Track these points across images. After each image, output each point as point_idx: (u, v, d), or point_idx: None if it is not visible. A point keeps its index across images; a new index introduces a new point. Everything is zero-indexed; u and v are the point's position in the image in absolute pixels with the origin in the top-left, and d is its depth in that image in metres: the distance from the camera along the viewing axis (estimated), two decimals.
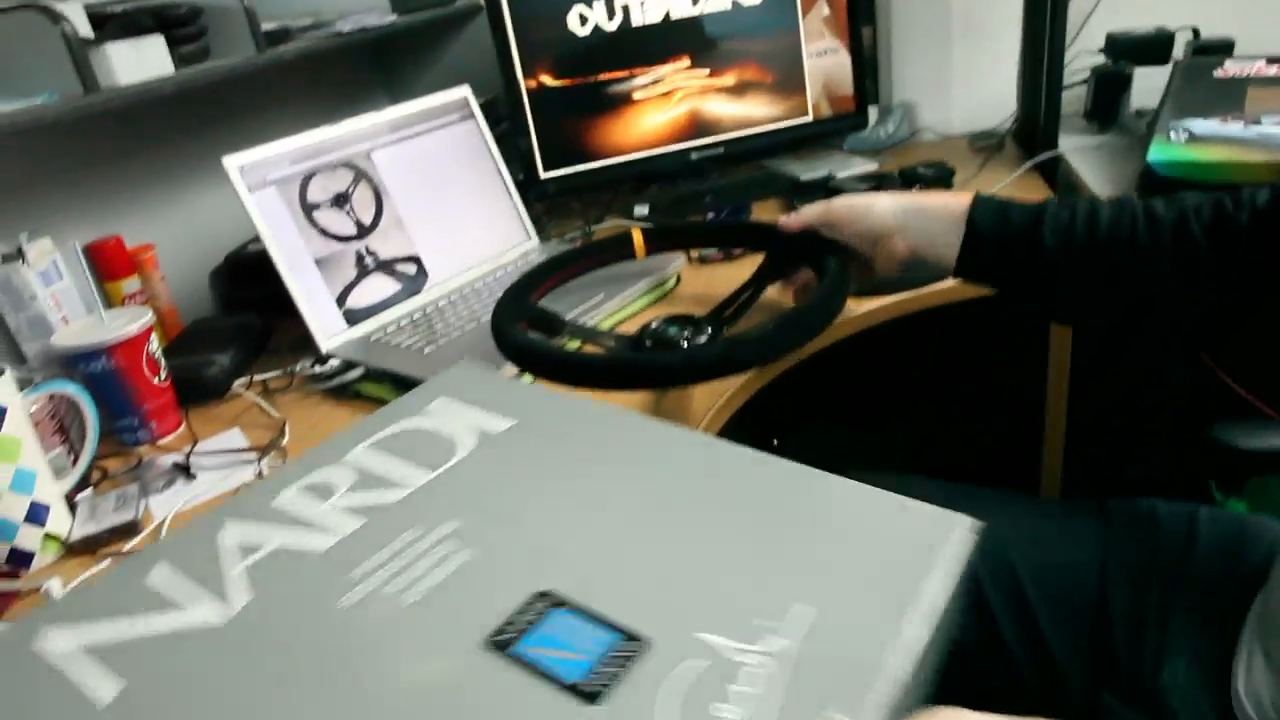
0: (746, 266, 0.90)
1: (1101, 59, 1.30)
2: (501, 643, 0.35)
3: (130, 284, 0.96)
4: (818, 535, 0.39)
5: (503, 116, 1.23)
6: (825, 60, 1.27)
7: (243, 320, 1.01)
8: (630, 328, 0.88)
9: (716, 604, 0.35)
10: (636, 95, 1.23)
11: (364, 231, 0.99)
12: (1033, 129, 1.24)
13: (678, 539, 0.40)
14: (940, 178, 1.17)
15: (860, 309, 0.90)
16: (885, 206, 0.74)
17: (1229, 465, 0.92)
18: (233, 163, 0.88)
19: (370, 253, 0.99)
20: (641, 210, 1.24)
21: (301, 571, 0.41)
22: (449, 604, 0.38)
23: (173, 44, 0.85)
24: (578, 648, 0.34)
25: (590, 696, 0.32)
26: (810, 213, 0.78)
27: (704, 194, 1.26)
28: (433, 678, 0.34)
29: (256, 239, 0.95)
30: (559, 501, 0.44)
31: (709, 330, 0.81)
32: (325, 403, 0.88)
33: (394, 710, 0.33)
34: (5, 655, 0.37)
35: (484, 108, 1.16)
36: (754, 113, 1.28)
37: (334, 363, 0.90)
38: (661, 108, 1.24)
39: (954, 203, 0.72)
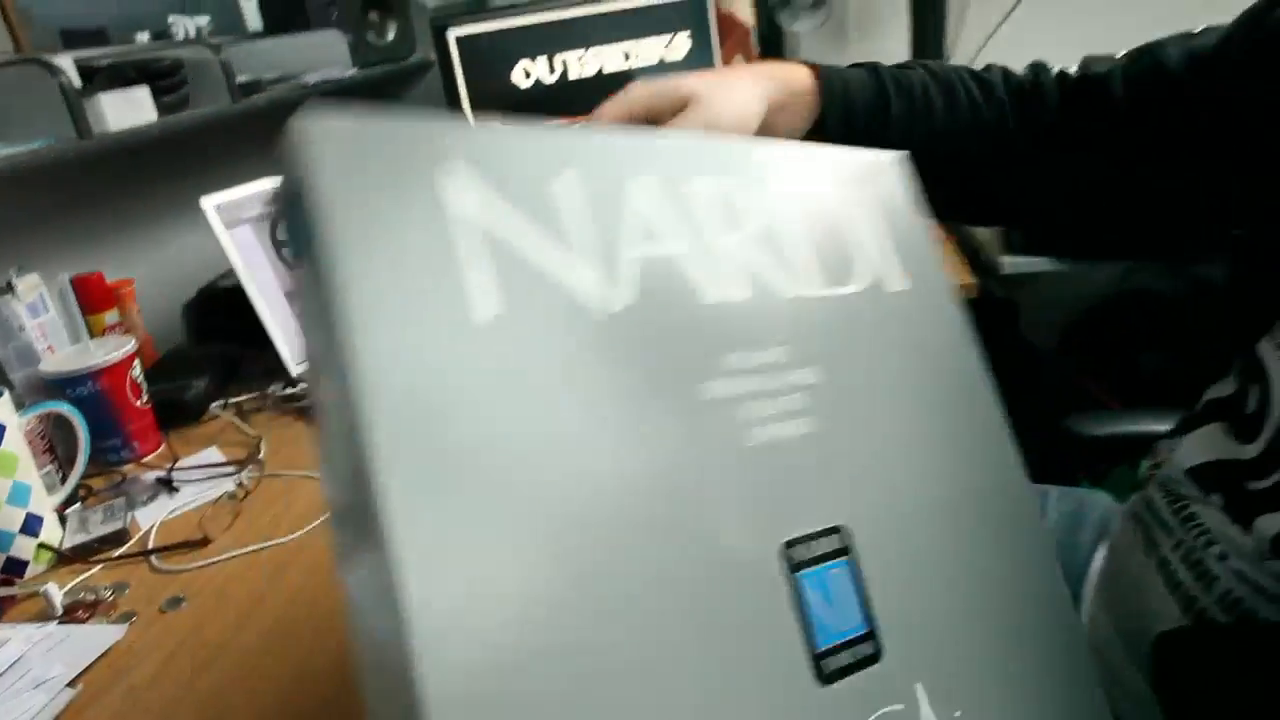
0: None
1: None
2: (792, 557, 0.32)
3: (110, 316, 0.99)
4: None
5: None
6: None
7: (216, 348, 1.04)
8: None
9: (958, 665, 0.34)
10: None
11: None
12: None
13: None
14: None
15: None
16: (750, 95, 0.53)
17: (1087, 455, 1.00)
18: (209, 203, 0.93)
19: None
20: None
21: (683, 309, 0.34)
22: (773, 473, 0.33)
23: (156, 94, 0.90)
24: (834, 611, 0.32)
25: (825, 676, 0.30)
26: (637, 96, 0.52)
27: None
28: (719, 540, 0.31)
29: (227, 274, 1.00)
30: (916, 412, 0.39)
31: None
32: (298, 421, 0.92)
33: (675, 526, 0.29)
34: (406, 174, 0.29)
35: None
36: None
37: (305, 385, 0.95)
38: None
39: (803, 88, 0.56)
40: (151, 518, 0.77)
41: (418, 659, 0.23)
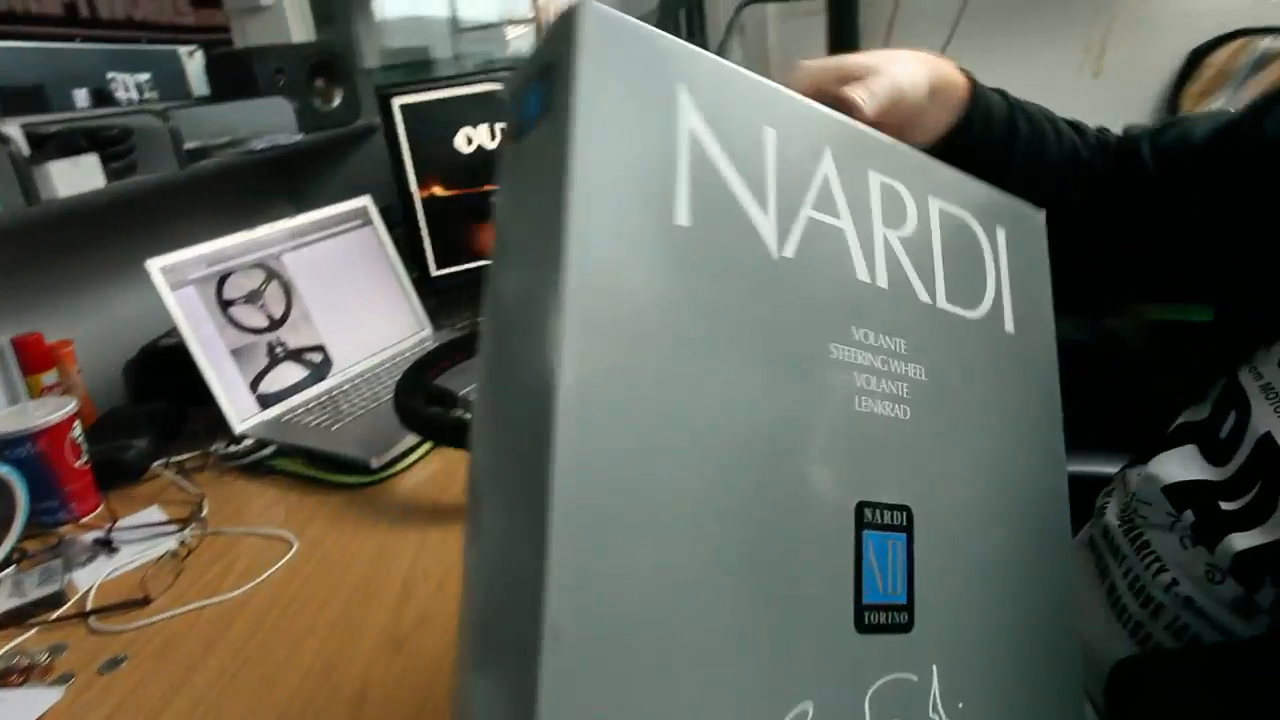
0: None
1: None
2: (864, 515, 0.35)
3: (49, 376, 0.97)
4: None
5: (399, 221, 1.30)
6: None
7: (157, 407, 1.02)
8: None
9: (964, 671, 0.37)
10: None
11: (275, 325, 1.04)
12: None
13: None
14: None
15: None
16: (919, 70, 0.52)
17: None
18: (155, 265, 0.92)
19: (281, 343, 1.03)
20: None
21: (835, 274, 0.37)
22: (866, 440, 0.37)
23: (104, 160, 0.89)
24: (884, 574, 0.35)
25: (863, 626, 0.34)
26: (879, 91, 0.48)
27: None
28: (809, 480, 0.34)
29: (170, 332, 0.99)
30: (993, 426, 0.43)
31: None
32: (241, 478, 0.91)
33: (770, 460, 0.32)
34: (654, 78, 0.32)
35: (383, 213, 1.24)
36: None
37: (248, 442, 0.94)
38: None
39: (954, 80, 0.57)
40: (90, 579, 0.75)
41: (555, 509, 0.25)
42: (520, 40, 2.40)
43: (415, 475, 0.86)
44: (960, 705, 0.37)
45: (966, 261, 0.45)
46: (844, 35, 1.25)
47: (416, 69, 2.14)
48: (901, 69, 0.51)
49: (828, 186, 0.38)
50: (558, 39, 0.30)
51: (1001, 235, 0.47)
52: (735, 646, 0.30)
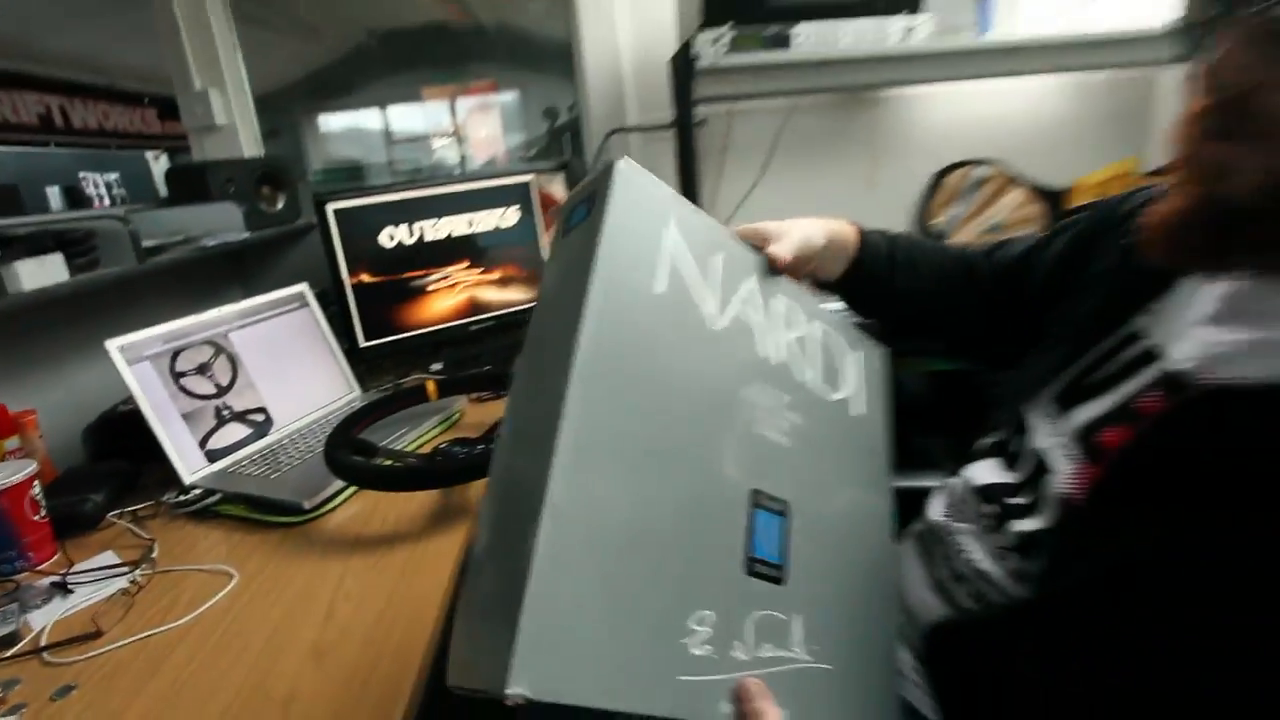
0: None
1: None
2: (756, 498, 0.44)
3: (11, 442, 0.91)
4: None
5: (334, 301, 1.29)
6: None
7: (115, 465, 0.97)
8: (427, 449, 0.97)
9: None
10: (430, 287, 1.34)
11: (222, 391, 1.01)
12: None
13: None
14: None
15: None
16: (817, 231, 0.62)
17: None
18: (114, 344, 0.89)
19: (227, 407, 1.01)
20: (437, 366, 1.32)
21: (748, 346, 0.47)
22: (761, 452, 0.46)
23: (69, 257, 0.86)
24: (767, 541, 0.43)
25: (750, 570, 0.41)
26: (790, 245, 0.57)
27: (482, 353, 1.37)
28: (723, 467, 0.42)
29: (127, 400, 0.95)
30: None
31: (480, 446, 0.93)
32: (189, 524, 0.88)
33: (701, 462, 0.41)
34: (654, 214, 0.44)
35: (320, 295, 1.23)
36: (515, 296, 1.42)
37: (196, 492, 0.91)
38: (449, 295, 1.35)
39: (846, 234, 0.67)
40: (45, 619, 0.71)
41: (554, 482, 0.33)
42: (445, 149, 2.42)
43: (342, 514, 0.86)
44: (815, 647, 0.44)
45: (834, 364, 0.56)
46: (687, 157, 1.34)
47: (352, 175, 2.13)
48: (805, 230, 0.61)
49: (752, 295, 0.49)
50: (602, 179, 0.42)
51: (860, 355, 0.60)
52: (674, 565, 0.37)
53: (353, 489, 0.88)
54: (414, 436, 1.02)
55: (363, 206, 1.26)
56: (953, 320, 0.72)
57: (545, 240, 1.42)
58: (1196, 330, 0.49)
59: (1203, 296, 0.49)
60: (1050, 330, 0.63)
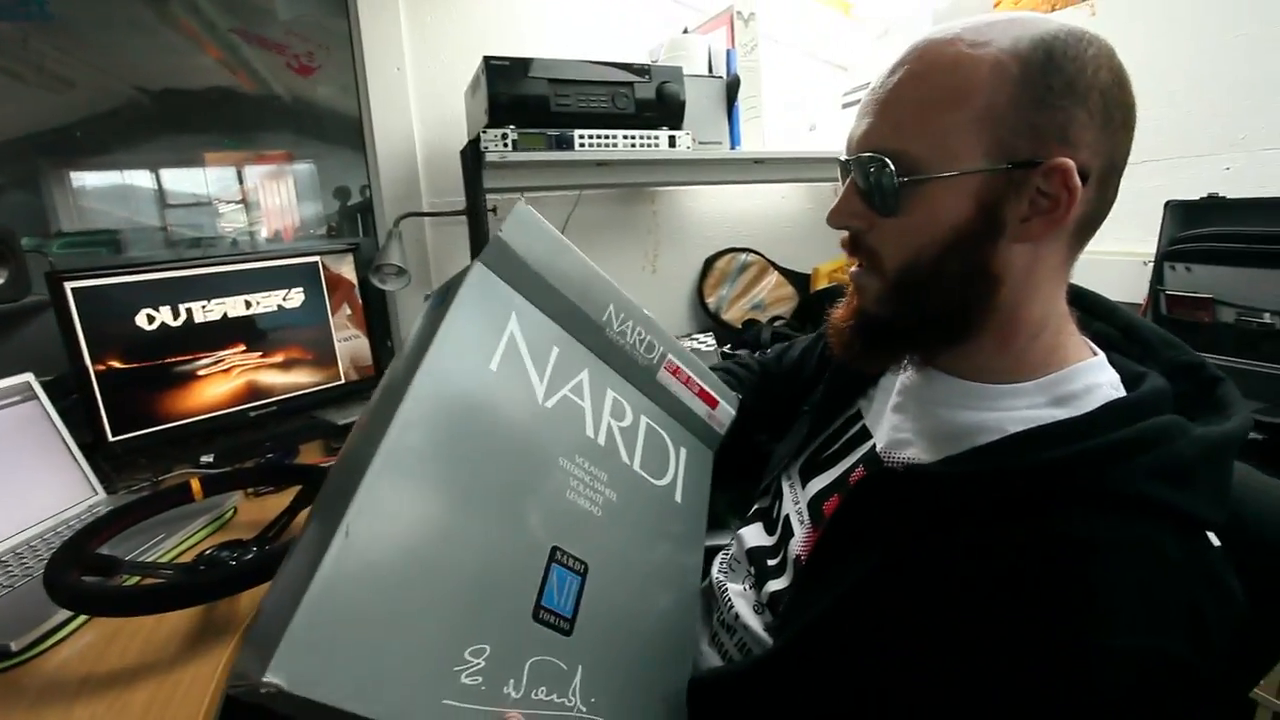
0: (293, 494, 0.92)
1: None
2: (555, 554, 0.47)
3: None
4: None
5: (73, 391, 1.09)
6: (351, 343, 1.36)
7: None
8: (189, 556, 0.84)
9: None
10: (200, 373, 1.18)
11: None
12: None
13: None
14: None
15: None
16: None
17: None
18: None
19: None
20: (207, 458, 1.16)
21: (573, 424, 0.52)
22: (568, 518, 0.49)
23: None
24: (561, 595, 0.46)
25: (536, 618, 0.44)
26: None
27: (263, 440, 1.23)
28: (529, 523, 0.46)
29: None
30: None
31: (254, 550, 0.82)
32: None
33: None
34: (500, 305, 0.52)
35: (57, 382, 1.04)
36: (300, 380, 1.30)
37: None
38: (223, 381, 1.20)
39: None
40: None
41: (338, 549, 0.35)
42: (231, 216, 2.18)
43: (67, 650, 0.70)
44: (593, 699, 0.45)
45: (658, 455, 0.60)
46: (479, 241, 1.35)
47: (108, 244, 1.84)
48: None
49: (580, 385, 0.54)
50: (463, 273, 0.49)
51: (684, 451, 0.64)
52: (463, 597, 0.40)
53: (83, 617, 0.73)
54: (174, 543, 0.88)
55: (114, 285, 1.09)
56: (765, 411, 0.81)
57: (334, 321, 1.33)
58: (888, 415, 0.57)
59: (895, 384, 0.59)
60: (801, 411, 0.72)
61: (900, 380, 0.58)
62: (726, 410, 0.71)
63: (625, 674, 0.50)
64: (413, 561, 0.38)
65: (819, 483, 0.61)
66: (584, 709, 0.45)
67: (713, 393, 0.70)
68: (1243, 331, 1.06)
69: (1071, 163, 0.43)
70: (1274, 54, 1.18)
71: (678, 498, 0.61)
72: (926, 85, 0.45)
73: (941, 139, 0.44)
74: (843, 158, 0.50)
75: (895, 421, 0.57)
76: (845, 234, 0.52)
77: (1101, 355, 0.50)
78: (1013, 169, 0.43)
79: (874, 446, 0.58)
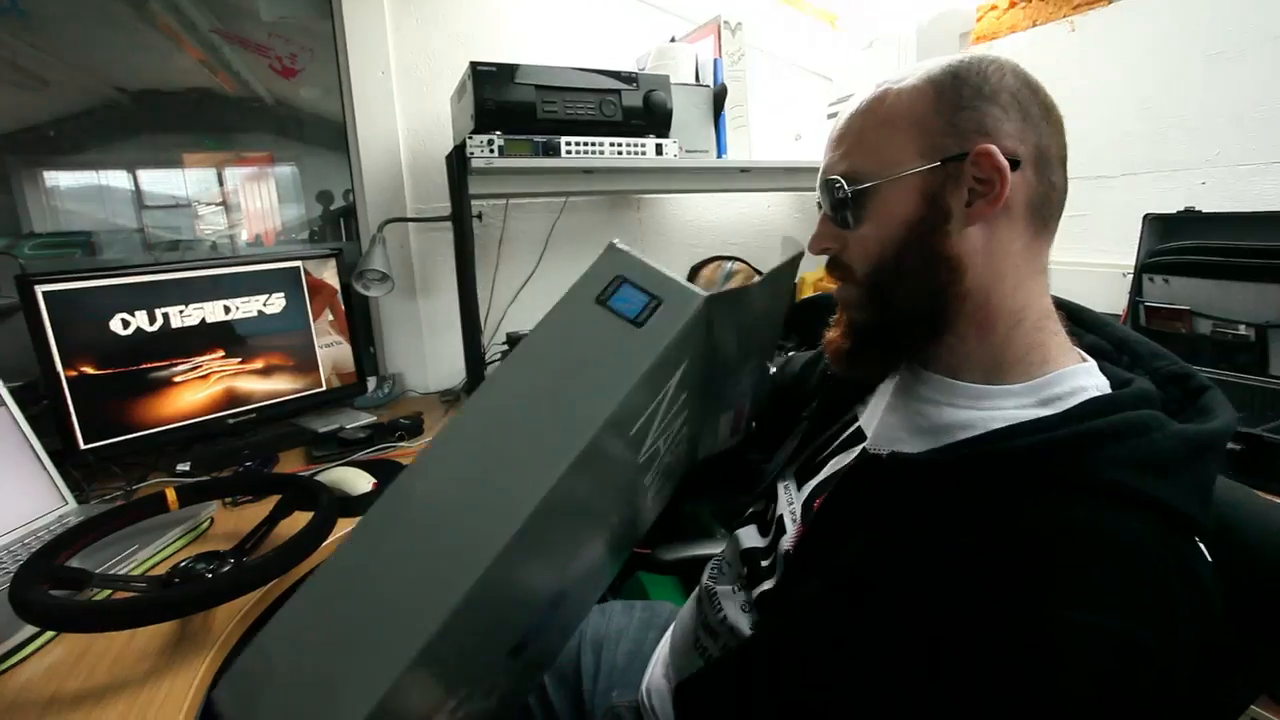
0: (272, 504, 0.90)
1: (507, 345, 1.59)
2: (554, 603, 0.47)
3: None
4: None
5: (43, 397, 1.05)
6: (332, 349, 1.34)
7: None
8: (162, 569, 0.82)
9: None
10: (177, 379, 1.15)
11: None
12: (474, 386, 1.44)
13: None
14: (416, 425, 1.27)
15: None
16: None
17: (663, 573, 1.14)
18: None
19: None
20: (184, 466, 1.12)
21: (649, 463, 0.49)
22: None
23: None
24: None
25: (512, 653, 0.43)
26: None
27: (242, 448, 1.20)
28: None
29: None
30: None
31: (231, 562, 0.80)
32: None
33: None
34: None
35: (27, 388, 1.01)
36: (280, 386, 1.27)
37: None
38: (200, 387, 1.17)
39: None
40: None
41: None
42: (210, 217, 2.14)
43: (34, 667, 0.67)
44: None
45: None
46: (465, 246, 1.33)
47: (82, 246, 1.80)
48: None
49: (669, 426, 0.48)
50: (678, 293, 0.40)
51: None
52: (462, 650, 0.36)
53: (50, 634, 0.71)
54: (147, 555, 0.85)
55: (87, 289, 1.06)
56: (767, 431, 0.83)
57: (315, 327, 1.31)
58: (881, 416, 0.60)
59: (889, 387, 0.61)
60: (801, 419, 0.74)
61: (892, 383, 0.60)
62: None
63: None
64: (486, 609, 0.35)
65: (813, 483, 0.62)
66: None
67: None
68: (1219, 342, 1.08)
69: (993, 146, 0.48)
70: (1246, 73, 1.21)
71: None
72: (865, 117, 0.53)
73: (880, 152, 0.51)
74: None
75: (886, 420, 0.59)
76: (827, 259, 0.58)
77: (1092, 362, 0.52)
78: (945, 163, 0.50)
79: (864, 447, 0.59)
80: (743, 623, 0.59)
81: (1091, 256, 1.32)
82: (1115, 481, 0.40)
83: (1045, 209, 0.51)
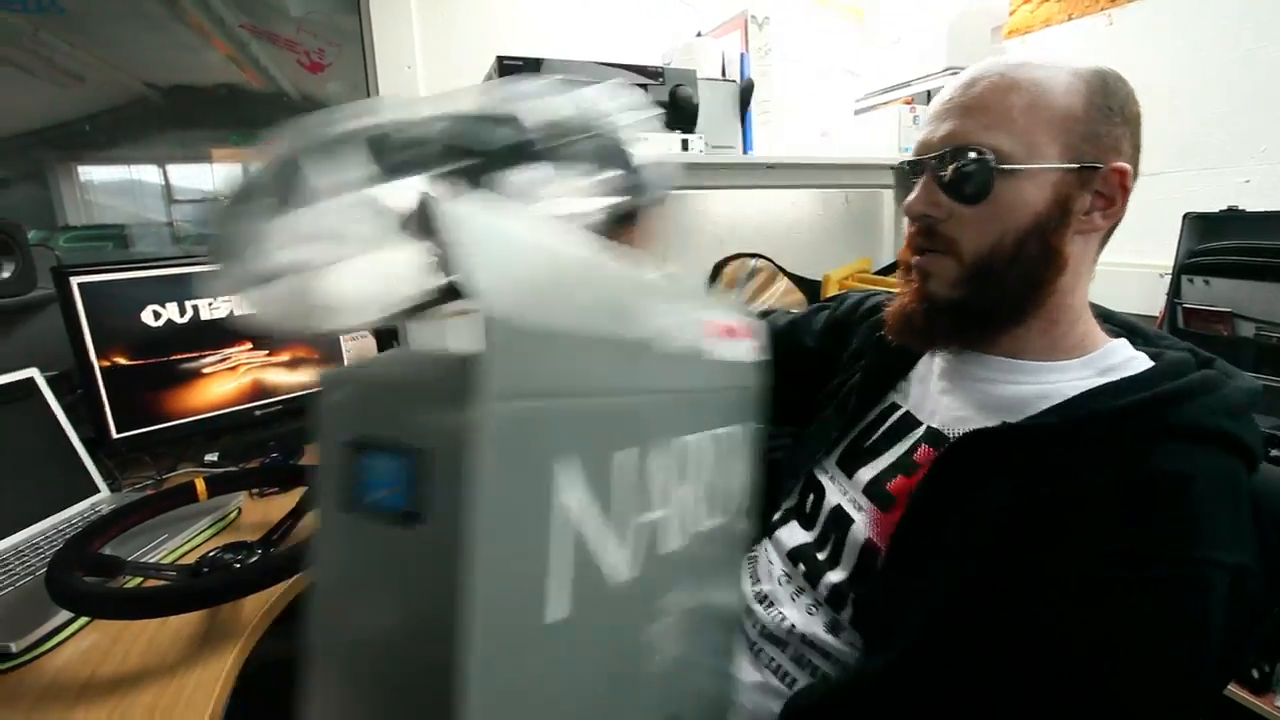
0: (298, 496, 0.91)
1: None
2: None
3: None
4: None
5: (78, 386, 1.08)
6: (358, 342, 1.35)
7: None
8: (191, 558, 0.83)
9: None
10: (206, 370, 1.17)
11: None
12: None
13: None
14: None
15: None
16: None
17: None
18: None
19: None
20: (211, 457, 1.15)
21: (650, 565, 0.34)
22: (651, 695, 0.37)
23: None
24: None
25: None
26: None
27: (268, 440, 1.21)
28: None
29: None
30: None
31: (258, 553, 0.81)
32: None
33: None
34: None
35: (62, 378, 1.03)
36: (306, 379, 1.29)
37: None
38: (229, 378, 1.19)
39: None
40: None
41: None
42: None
43: (69, 652, 0.69)
44: None
45: (732, 463, 0.49)
46: None
47: (115, 239, 1.83)
48: None
49: (648, 482, 0.33)
50: (447, 439, 0.25)
51: (746, 427, 0.54)
52: None
53: (84, 619, 0.72)
54: (176, 544, 0.87)
55: (120, 280, 1.08)
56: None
57: None
58: (939, 399, 0.60)
59: (935, 371, 0.61)
60: (821, 406, 0.72)
61: (939, 367, 0.61)
62: (758, 329, 0.57)
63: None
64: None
65: (871, 469, 0.61)
66: None
67: (743, 325, 0.54)
68: (1263, 346, 1.05)
69: (1130, 168, 0.52)
70: None
71: (721, 519, 0.48)
72: (1013, 93, 0.51)
73: (1028, 137, 0.51)
74: (913, 158, 0.56)
75: (947, 403, 0.59)
76: (911, 226, 0.57)
77: (1124, 339, 0.57)
78: (1082, 169, 0.51)
79: (928, 428, 0.59)
80: (814, 626, 0.57)
81: (1126, 257, 1.29)
82: (1220, 428, 0.46)
83: (1116, 227, 0.56)
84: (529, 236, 0.27)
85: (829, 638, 0.57)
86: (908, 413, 0.62)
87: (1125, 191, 0.52)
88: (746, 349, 0.53)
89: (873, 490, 0.60)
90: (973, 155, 0.52)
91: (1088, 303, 0.57)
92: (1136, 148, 0.54)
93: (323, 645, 0.25)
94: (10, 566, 0.81)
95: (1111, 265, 0.56)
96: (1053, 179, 0.51)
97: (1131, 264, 1.28)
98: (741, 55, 1.42)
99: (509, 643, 0.23)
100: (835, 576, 0.58)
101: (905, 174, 0.58)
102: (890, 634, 0.51)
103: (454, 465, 0.21)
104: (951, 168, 0.53)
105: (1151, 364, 0.53)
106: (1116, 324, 0.60)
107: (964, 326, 0.56)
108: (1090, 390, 0.50)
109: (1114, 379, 0.51)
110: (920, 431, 0.60)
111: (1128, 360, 0.54)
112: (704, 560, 0.43)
